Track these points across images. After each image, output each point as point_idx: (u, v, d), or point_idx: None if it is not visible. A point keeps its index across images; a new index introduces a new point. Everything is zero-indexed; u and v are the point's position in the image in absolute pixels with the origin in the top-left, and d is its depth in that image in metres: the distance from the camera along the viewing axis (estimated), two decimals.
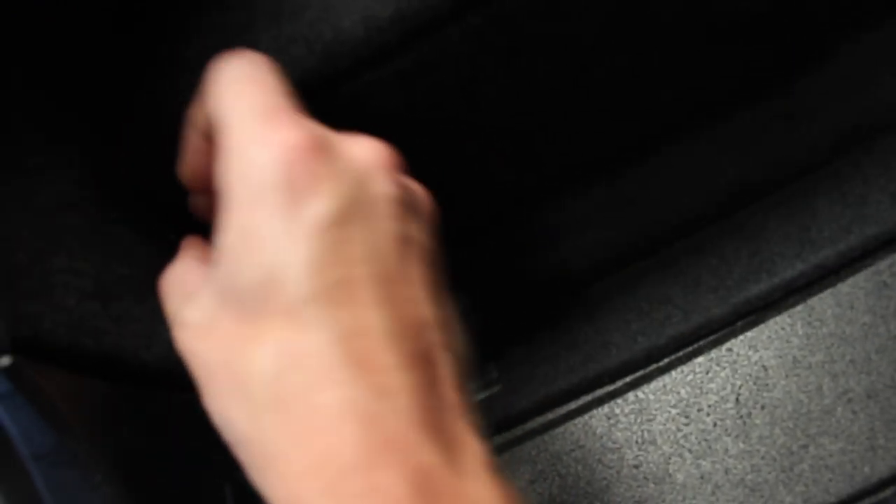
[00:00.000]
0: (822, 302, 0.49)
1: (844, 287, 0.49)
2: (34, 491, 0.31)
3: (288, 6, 0.39)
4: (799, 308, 0.49)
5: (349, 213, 0.28)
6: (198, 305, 0.30)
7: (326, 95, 0.40)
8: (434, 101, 0.42)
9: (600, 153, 0.50)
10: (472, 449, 0.28)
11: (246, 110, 0.30)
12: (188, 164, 0.35)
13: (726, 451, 0.48)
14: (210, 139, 0.33)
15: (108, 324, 0.34)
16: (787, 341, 0.49)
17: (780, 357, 0.49)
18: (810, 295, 0.49)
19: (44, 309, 0.32)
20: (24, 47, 0.35)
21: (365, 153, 0.31)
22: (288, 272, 0.27)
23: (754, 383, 0.49)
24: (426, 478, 0.26)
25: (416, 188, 0.33)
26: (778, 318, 0.49)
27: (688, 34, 0.45)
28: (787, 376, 0.49)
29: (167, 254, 0.38)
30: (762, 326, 0.50)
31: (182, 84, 0.40)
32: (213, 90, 0.31)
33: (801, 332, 0.49)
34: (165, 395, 0.36)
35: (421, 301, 0.30)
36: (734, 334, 0.50)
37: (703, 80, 0.48)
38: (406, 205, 0.31)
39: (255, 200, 0.28)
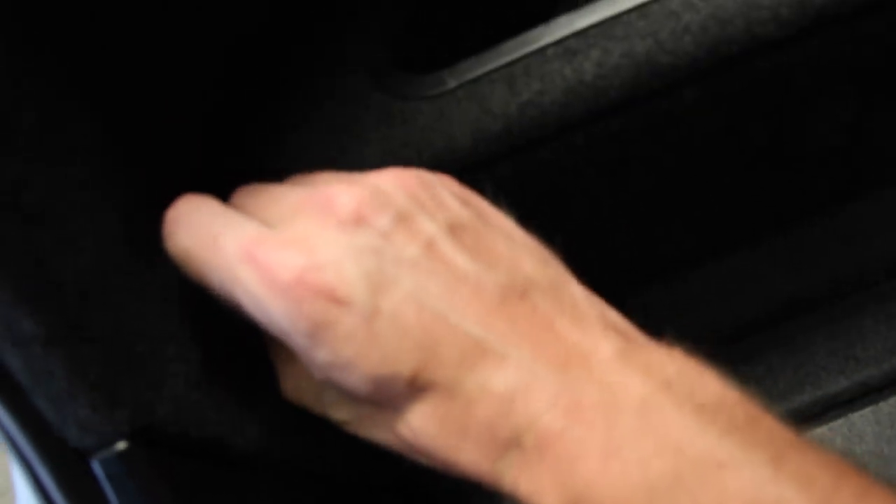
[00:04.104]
0: (863, 419, 0.51)
1: (886, 406, 0.51)
2: None
3: (400, 109, 0.41)
4: (839, 422, 0.51)
5: (378, 292, 0.29)
6: (340, 411, 0.33)
7: None
8: (527, 206, 0.44)
9: (664, 257, 0.52)
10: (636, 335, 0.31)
11: (229, 262, 0.30)
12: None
13: None
14: None
15: (210, 412, 0.35)
16: None
17: None
18: (851, 411, 0.51)
19: (157, 398, 0.33)
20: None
21: (338, 215, 0.30)
22: (381, 371, 0.29)
23: None
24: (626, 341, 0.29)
25: (408, 179, 0.32)
26: (818, 431, 0.51)
27: (762, 160, 0.47)
28: None
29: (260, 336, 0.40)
30: None
31: (287, 169, 0.41)
32: (185, 258, 0.32)
33: (840, 447, 0.51)
34: (262, 478, 0.38)
35: (488, 279, 0.30)
36: None
37: (767, 197, 0.50)
38: (406, 215, 0.31)
39: (302, 351, 0.30)
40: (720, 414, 0.27)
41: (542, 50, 0.40)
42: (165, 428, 0.33)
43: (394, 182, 0.32)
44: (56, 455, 0.32)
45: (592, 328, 0.30)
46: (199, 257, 0.31)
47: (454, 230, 0.31)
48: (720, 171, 0.47)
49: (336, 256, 0.29)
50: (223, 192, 0.41)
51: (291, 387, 0.34)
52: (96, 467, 0.32)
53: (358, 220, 0.30)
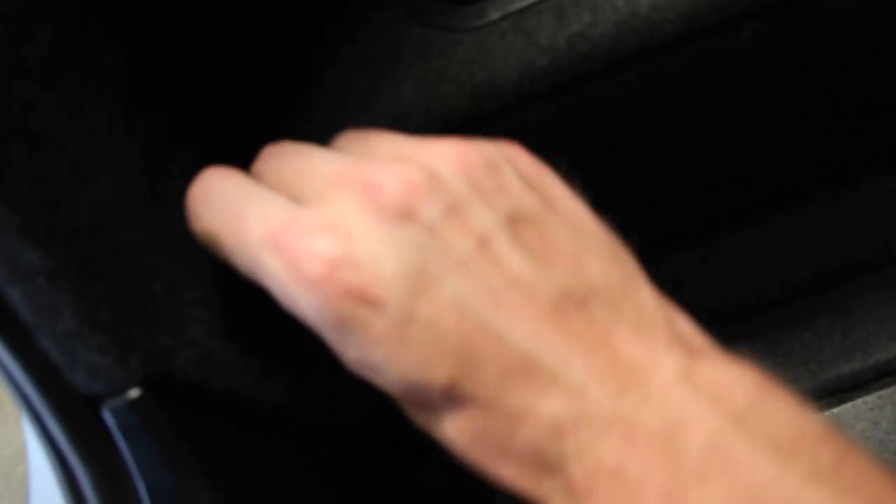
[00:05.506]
0: None
1: None
2: None
3: (439, 41, 0.37)
4: (890, 391, 0.48)
5: (416, 295, 0.25)
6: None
7: (466, 135, 0.38)
8: (568, 145, 0.40)
9: (710, 213, 0.49)
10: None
11: (254, 247, 0.27)
12: None
13: None
14: None
15: (232, 359, 0.32)
16: (875, 423, 0.48)
17: (866, 439, 0.48)
18: None
19: (176, 343, 0.30)
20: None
21: (381, 202, 0.26)
22: (413, 378, 0.25)
23: None
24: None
25: (470, 158, 0.27)
26: (867, 399, 0.48)
27: (818, 109, 0.43)
28: None
29: None
30: (850, 405, 0.48)
31: (321, 107, 0.38)
32: (209, 241, 0.29)
33: (889, 416, 0.48)
34: (281, 433, 0.35)
35: (544, 282, 0.26)
36: (820, 410, 0.48)
37: (820, 152, 0.47)
38: (461, 205, 0.26)
39: (336, 343, 0.26)
40: (802, 454, 0.23)
41: None
42: (183, 376, 0.30)
43: (453, 163, 0.27)
44: (64, 402, 0.29)
45: (655, 341, 0.26)
46: (223, 241, 0.28)
47: (514, 223, 0.27)
48: (773, 119, 0.44)
49: (373, 251, 0.25)
50: (255, 130, 0.38)
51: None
52: (107, 416, 0.29)
53: (404, 211, 0.26)
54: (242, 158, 0.37)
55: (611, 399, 0.24)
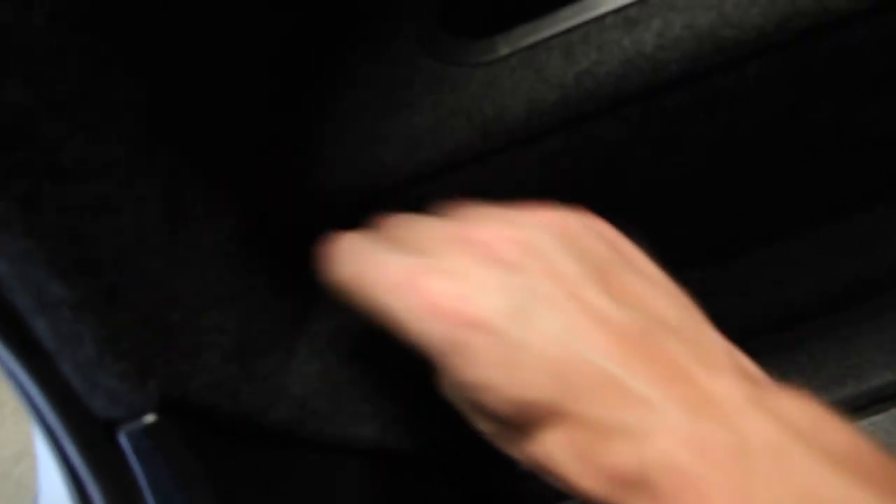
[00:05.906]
0: None
1: None
2: None
3: (450, 75, 0.38)
4: (881, 417, 0.49)
5: (525, 327, 0.30)
6: (484, 423, 0.33)
7: (474, 168, 0.39)
8: (573, 179, 0.41)
9: (712, 241, 0.49)
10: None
11: (392, 288, 0.32)
12: None
13: None
14: None
15: (243, 384, 0.33)
16: None
17: None
18: (895, 406, 0.49)
19: (191, 369, 0.31)
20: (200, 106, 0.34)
21: (494, 256, 0.32)
22: (522, 396, 0.30)
23: None
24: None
25: (562, 223, 0.34)
26: (860, 425, 0.49)
27: (822, 145, 0.44)
28: None
29: (299, 307, 0.38)
30: None
31: (333, 139, 0.39)
32: (351, 284, 0.33)
33: (880, 442, 0.48)
34: (292, 455, 0.36)
35: (629, 322, 0.31)
36: None
37: (824, 184, 0.47)
38: (556, 259, 0.32)
39: (453, 370, 0.31)
40: (854, 463, 0.27)
41: (601, 18, 0.37)
42: (198, 400, 0.31)
43: (548, 227, 0.33)
44: (82, 426, 0.30)
45: (724, 374, 0.30)
46: (364, 283, 0.33)
47: (599, 274, 0.32)
48: (778, 155, 0.44)
49: (486, 291, 0.31)
50: (269, 159, 0.38)
51: (448, 388, 0.34)
52: (123, 440, 0.30)
53: (509, 263, 0.32)
54: (256, 186, 0.38)
55: (689, 418, 0.28)
